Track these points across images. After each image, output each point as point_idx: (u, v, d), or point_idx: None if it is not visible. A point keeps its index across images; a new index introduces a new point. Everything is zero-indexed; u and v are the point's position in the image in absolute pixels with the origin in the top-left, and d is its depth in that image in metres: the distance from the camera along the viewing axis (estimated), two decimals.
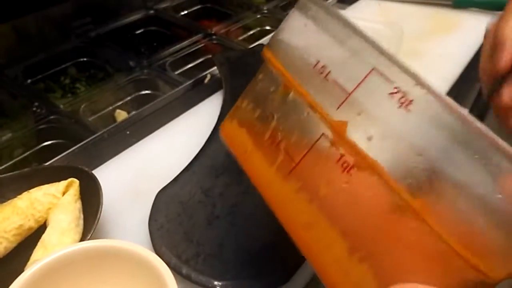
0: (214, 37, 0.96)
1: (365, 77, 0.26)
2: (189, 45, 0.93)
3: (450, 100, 0.24)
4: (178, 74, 0.89)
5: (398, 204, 0.24)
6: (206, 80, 0.74)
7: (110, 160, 0.57)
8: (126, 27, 0.99)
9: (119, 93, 0.82)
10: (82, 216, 0.44)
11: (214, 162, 0.53)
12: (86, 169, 0.47)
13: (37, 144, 0.69)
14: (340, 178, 0.27)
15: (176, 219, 0.46)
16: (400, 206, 0.24)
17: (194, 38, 0.95)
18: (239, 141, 0.34)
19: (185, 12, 1.09)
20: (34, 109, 0.72)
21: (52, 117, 0.70)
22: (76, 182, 0.45)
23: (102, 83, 0.84)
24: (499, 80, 0.35)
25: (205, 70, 0.91)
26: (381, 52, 0.27)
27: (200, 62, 0.94)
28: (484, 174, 0.22)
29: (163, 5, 1.06)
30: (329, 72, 0.28)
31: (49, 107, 0.72)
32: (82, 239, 0.42)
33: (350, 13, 0.94)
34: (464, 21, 0.93)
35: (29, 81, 0.83)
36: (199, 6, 1.12)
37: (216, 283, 0.40)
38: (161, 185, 0.50)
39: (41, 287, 0.37)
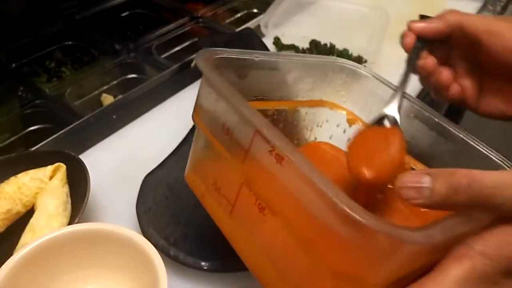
0: (200, 20, 0.96)
1: (253, 137, 0.31)
2: (175, 28, 0.93)
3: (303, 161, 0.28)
4: (165, 57, 0.89)
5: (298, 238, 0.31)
6: (192, 64, 0.74)
7: (97, 145, 0.57)
8: (112, 9, 0.98)
9: (105, 77, 0.81)
10: (69, 200, 0.44)
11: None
12: (73, 153, 0.47)
13: (23, 129, 0.68)
14: (260, 217, 0.32)
15: (163, 202, 0.47)
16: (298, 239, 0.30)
17: (181, 21, 0.94)
18: (197, 186, 0.40)
19: None
20: (20, 93, 0.71)
21: (37, 101, 0.70)
22: (63, 166, 0.46)
23: (88, 67, 0.84)
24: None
25: (192, 54, 0.91)
26: (260, 119, 0.31)
27: (187, 46, 0.94)
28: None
29: None
30: (232, 132, 0.34)
31: (35, 92, 0.72)
32: (70, 222, 0.42)
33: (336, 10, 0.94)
34: (448, 4, 0.94)
35: (13, 65, 0.83)
36: None
37: (203, 263, 0.41)
38: (148, 168, 0.51)
39: (30, 270, 0.38)
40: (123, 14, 1.00)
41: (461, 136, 0.39)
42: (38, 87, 0.74)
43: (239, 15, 1.05)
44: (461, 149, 0.38)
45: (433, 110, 0.40)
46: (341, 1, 0.89)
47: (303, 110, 0.44)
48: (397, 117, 0.39)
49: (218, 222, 0.37)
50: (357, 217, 0.24)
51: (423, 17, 0.44)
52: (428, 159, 0.40)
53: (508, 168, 0.37)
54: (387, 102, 0.39)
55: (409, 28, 0.42)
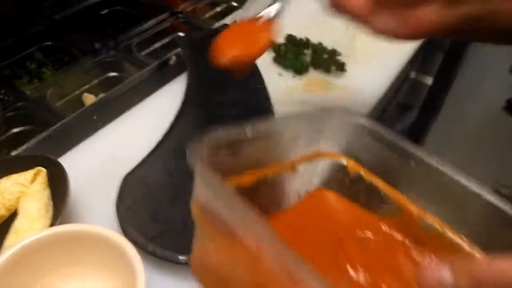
0: (180, 15, 0.96)
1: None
2: (155, 25, 0.93)
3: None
4: (145, 55, 0.90)
5: None
6: (171, 62, 0.76)
7: (78, 145, 0.59)
8: (92, 8, 0.99)
9: (86, 76, 0.82)
10: (51, 202, 0.46)
11: (179, 144, 0.55)
12: (52, 157, 0.49)
13: (5, 132, 0.69)
14: None
15: (142, 200, 0.49)
16: None
17: (160, 17, 0.95)
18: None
19: None
20: (1, 96, 0.72)
21: (19, 103, 0.71)
22: (43, 171, 0.47)
23: (69, 67, 0.85)
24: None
25: (172, 50, 0.92)
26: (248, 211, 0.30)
27: (167, 42, 0.95)
28: None
29: None
30: (234, 234, 0.31)
31: (16, 94, 0.73)
32: (52, 224, 0.44)
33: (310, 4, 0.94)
34: None
35: None
36: None
37: (180, 257, 0.44)
38: (128, 168, 0.53)
39: (15, 271, 0.40)
40: (103, 12, 1.00)
41: (422, 155, 0.38)
42: (19, 89, 0.75)
43: (219, 9, 1.05)
44: (422, 169, 0.38)
45: (394, 132, 0.40)
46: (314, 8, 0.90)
47: (301, 168, 0.42)
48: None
49: None
50: None
51: None
52: (390, 177, 0.40)
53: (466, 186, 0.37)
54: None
55: None
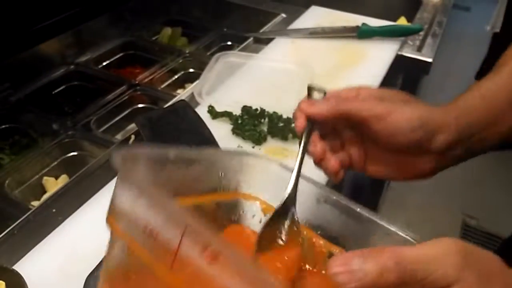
0: (138, 87, 0.98)
1: (182, 237, 0.30)
2: (113, 99, 0.95)
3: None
4: (104, 131, 0.90)
5: None
6: (130, 142, 0.76)
7: (38, 245, 0.57)
8: (47, 85, 0.99)
9: (45, 159, 0.82)
10: None
11: None
12: (11, 268, 0.48)
13: None
14: None
15: None
16: None
17: (118, 91, 0.96)
18: None
19: (108, 62, 1.10)
20: None
21: None
22: (2, 284, 0.46)
23: (27, 151, 0.84)
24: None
25: (131, 122, 0.93)
26: (189, 215, 0.30)
27: (126, 114, 0.96)
28: None
29: (84, 58, 1.06)
30: (156, 233, 0.32)
31: None
32: None
33: (265, 55, 0.99)
34: (370, 51, 1.01)
35: None
36: (121, 54, 1.13)
37: None
38: (91, 264, 0.52)
39: None
40: (59, 89, 1.01)
41: (367, 215, 0.42)
42: None
43: (176, 76, 1.08)
44: (369, 228, 0.42)
45: (339, 194, 0.43)
46: (269, 60, 0.94)
47: (221, 203, 0.45)
48: (295, 209, 0.42)
49: None
50: None
51: (310, 90, 0.46)
52: (343, 241, 0.43)
53: (414, 242, 0.41)
54: (286, 189, 0.42)
55: (300, 109, 0.45)
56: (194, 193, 0.43)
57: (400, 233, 0.41)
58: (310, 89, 0.47)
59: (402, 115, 0.43)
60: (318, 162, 0.46)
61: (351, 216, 0.43)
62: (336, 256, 0.31)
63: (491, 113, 0.46)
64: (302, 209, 0.44)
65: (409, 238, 0.41)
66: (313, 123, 0.45)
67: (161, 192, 0.32)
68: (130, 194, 0.34)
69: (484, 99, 0.47)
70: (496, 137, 0.48)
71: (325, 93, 0.46)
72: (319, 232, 0.44)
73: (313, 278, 0.42)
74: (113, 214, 0.37)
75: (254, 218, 0.46)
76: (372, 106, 0.44)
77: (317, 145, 0.45)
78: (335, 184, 0.52)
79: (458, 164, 0.48)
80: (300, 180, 0.44)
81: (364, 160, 0.47)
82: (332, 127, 0.47)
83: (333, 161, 0.46)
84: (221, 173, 0.45)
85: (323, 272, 0.43)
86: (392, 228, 0.42)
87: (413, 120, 0.43)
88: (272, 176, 0.45)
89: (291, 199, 0.43)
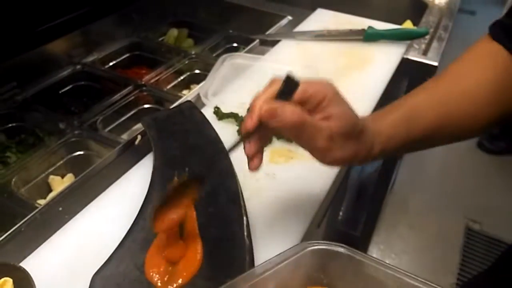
0: (144, 88, 0.99)
1: None
2: (120, 99, 0.95)
3: None
4: (110, 131, 0.91)
5: None
6: (137, 142, 0.76)
7: (45, 243, 0.58)
8: (54, 85, 1.00)
9: (52, 158, 0.82)
10: None
11: (147, 235, 0.56)
12: (18, 265, 0.48)
13: None
14: None
15: None
16: None
17: (125, 91, 0.97)
18: None
19: (114, 62, 1.11)
20: None
21: None
22: (9, 281, 0.47)
23: (33, 149, 0.84)
24: (246, 135, 0.48)
25: (137, 122, 0.94)
26: None
27: (132, 114, 0.96)
28: None
29: (91, 58, 1.07)
30: None
31: None
32: None
33: (271, 57, 0.99)
34: (376, 54, 1.01)
35: None
36: (128, 55, 1.14)
37: None
38: (98, 264, 0.52)
39: None
40: (66, 89, 1.01)
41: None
42: None
43: (182, 77, 1.08)
44: None
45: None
46: (274, 62, 0.95)
47: None
48: None
49: None
50: None
51: (288, 79, 0.47)
52: None
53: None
54: None
55: (259, 111, 0.47)
56: None
57: None
58: (288, 79, 0.47)
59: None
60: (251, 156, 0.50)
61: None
62: None
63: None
64: None
65: None
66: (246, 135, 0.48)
67: None
68: None
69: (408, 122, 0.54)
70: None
71: (298, 85, 0.47)
72: None
73: None
74: None
75: None
76: (326, 145, 0.48)
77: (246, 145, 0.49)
78: (341, 191, 0.52)
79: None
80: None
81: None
82: None
83: (256, 161, 0.50)
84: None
85: None
86: None
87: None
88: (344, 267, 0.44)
89: None
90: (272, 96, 0.47)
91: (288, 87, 0.47)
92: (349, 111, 0.50)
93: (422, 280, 0.40)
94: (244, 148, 0.49)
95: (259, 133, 0.49)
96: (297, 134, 0.48)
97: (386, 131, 0.53)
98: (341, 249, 0.43)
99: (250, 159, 0.50)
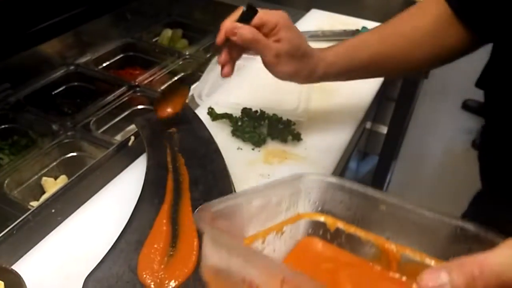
0: (138, 89, 0.98)
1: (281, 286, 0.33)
2: (113, 100, 0.95)
3: None
4: (103, 132, 0.90)
5: None
6: (130, 143, 0.76)
7: (37, 245, 0.57)
8: (47, 86, 0.99)
9: (45, 159, 0.82)
10: None
11: (140, 237, 0.55)
12: (10, 268, 0.48)
13: None
14: None
15: None
16: None
17: (118, 92, 0.96)
18: None
19: (107, 63, 1.10)
20: None
21: None
22: (1, 284, 0.46)
23: (26, 151, 0.84)
24: (216, 48, 0.64)
25: (131, 123, 0.93)
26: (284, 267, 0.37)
27: (126, 115, 0.96)
28: None
29: (84, 59, 1.06)
30: (257, 285, 0.35)
31: None
32: None
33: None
34: None
35: None
36: (121, 55, 1.14)
37: None
38: (91, 266, 0.52)
39: None
40: (59, 90, 1.01)
41: (388, 199, 0.44)
42: None
43: (176, 78, 1.08)
44: (391, 210, 0.44)
45: (360, 184, 0.46)
46: None
47: (287, 229, 0.47)
48: None
49: None
50: None
51: (249, 7, 0.61)
52: (365, 223, 0.45)
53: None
54: None
55: (226, 29, 0.61)
56: (266, 226, 0.45)
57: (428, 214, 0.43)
58: (249, 7, 0.61)
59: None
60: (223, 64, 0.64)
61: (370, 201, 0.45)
62: (425, 271, 0.32)
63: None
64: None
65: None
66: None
67: (251, 249, 0.39)
68: (223, 254, 0.38)
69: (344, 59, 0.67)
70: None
71: (256, 13, 0.61)
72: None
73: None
74: (208, 271, 0.40)
75: (323, 234, 0.48)
76: (276, 61, 0.62)
77: (223, 55, 0.64)
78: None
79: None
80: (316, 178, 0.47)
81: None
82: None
83: (227, 69, 0.65)
84: (285, 202, 0.46)
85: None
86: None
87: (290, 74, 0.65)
88: (329, 189, 0.47)
89: None
90: (236, 19, 0.61)
91: (248, 14, 0.61)
92: (296, 37, 0.63)
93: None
94: (217, 59, 0.64)
95: (229, 48, 0.63)
96: (253, 50, 0.62)
97: (329, 58, 0.66)
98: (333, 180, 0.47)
99: (222, 67, 0.64)
